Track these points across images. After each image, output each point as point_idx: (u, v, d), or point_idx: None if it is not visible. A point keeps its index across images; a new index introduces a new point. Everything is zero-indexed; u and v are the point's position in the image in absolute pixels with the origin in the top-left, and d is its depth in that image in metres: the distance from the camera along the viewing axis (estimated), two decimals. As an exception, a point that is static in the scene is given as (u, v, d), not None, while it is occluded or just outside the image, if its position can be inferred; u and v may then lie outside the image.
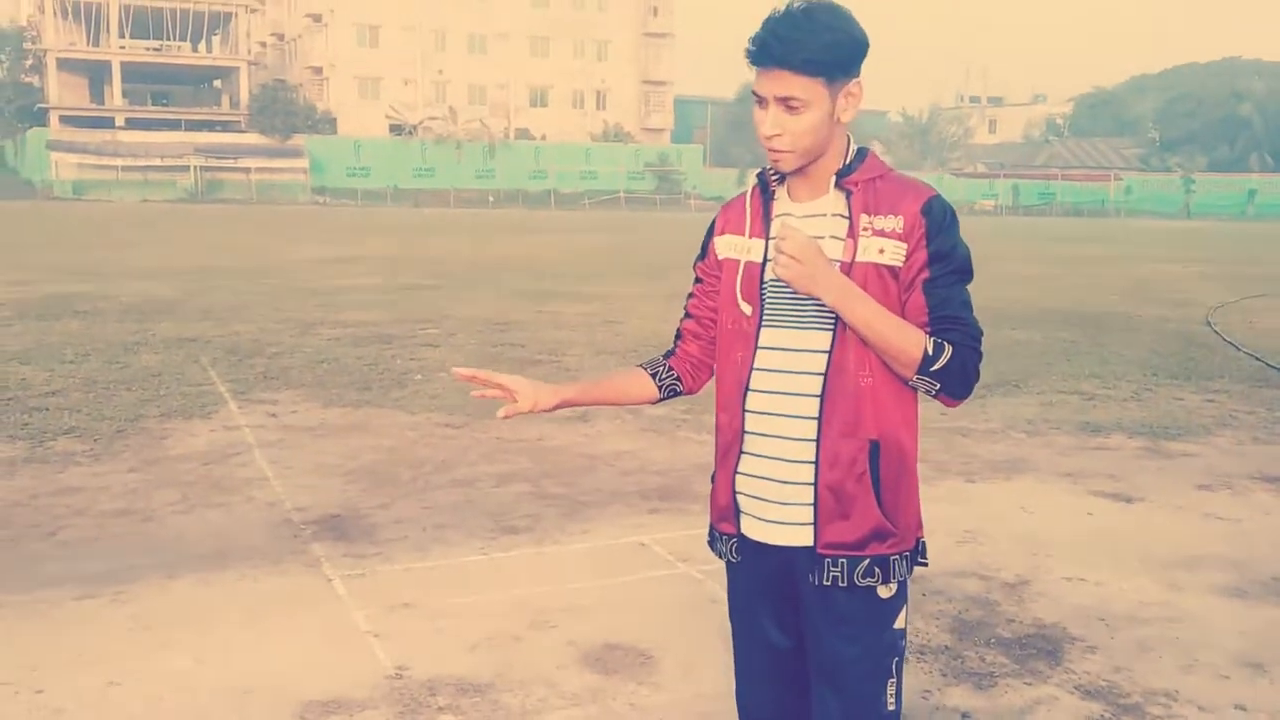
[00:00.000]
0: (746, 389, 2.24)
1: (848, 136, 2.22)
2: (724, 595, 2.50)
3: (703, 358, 2.45)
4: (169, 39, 78.74)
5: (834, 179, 2.19)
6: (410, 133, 75.91)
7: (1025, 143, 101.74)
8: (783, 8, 2.11)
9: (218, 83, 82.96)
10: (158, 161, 67.77)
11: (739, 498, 2.29)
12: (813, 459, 2.18)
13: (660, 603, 4.67)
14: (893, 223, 2.13)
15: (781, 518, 2.23)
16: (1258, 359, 11.38)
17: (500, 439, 7.52)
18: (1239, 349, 12.08)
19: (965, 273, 2.18)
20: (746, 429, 2.25)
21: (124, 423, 7.76)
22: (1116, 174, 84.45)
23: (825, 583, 2.19)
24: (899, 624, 2.26)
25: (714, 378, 2.43)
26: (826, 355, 2.16)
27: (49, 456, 6.86)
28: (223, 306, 14.58)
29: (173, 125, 73.30)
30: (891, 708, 2.25)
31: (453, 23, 79.44)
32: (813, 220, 2.19)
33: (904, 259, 2.13)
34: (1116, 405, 8.96)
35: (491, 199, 72.73)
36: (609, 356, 10.58)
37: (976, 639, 4.31)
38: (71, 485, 6.25)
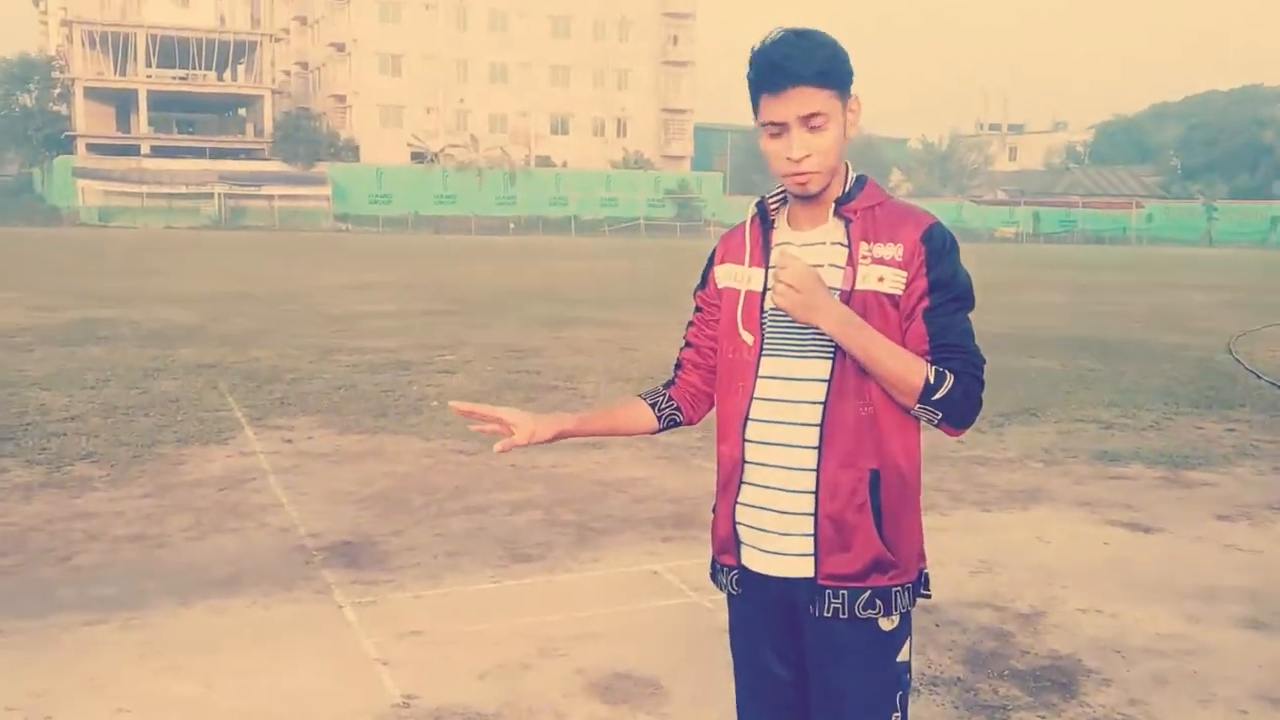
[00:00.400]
0: (746, 418, 2.23)
1: (847, 164, 2.22)
2: (736, 625, 2.47)
3: (703, 387, 2.44)
4: (195, 68, 79.67)
5: (833, 206, 2.19)
6: (432, 160, 76.45)
7: (1046, 170, 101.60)
8: (772, 35, 2.12)
9: (242, 111, 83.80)
10: (182, 188, 68.48)
11: (739, 528, 2.27)
12: (813, 489, 2.16)
13: (671, 632, 4.65)
14: (892, 250, 2.13)
15: (782, 549, 2.21)
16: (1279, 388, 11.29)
17: (515, 466, 7.52)
18: (1261, 377, 11.97)
19: (966, 300, 2.16)
20: (746, 459, 2.24)
21: (141, 448, 7.80)
22: (1138, 201, 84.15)
23: (826, 614, 2.17)
24: (903, 657, 2.23)
25: (714, 408, 2.42)
26: (826, 384, 2.15)
27: (66, 481, 6.90)
28: (242, 332, 14.67)
29: (197, 153, 74.06)
30: None
31: (474, 52, 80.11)
32: (812, 249, 2.19)
33: (904, 287, 2.12)
34: (1135, 434, 8.89)
35: (512, 226, 73.06)
36: (625, 383, 10.58)
37: (990, 671, 4.26)
38: (87, 510, 6.28)
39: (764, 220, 2.29)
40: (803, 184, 2.16)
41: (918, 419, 2.16)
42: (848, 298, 2.12)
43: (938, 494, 6.86)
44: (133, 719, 3.79)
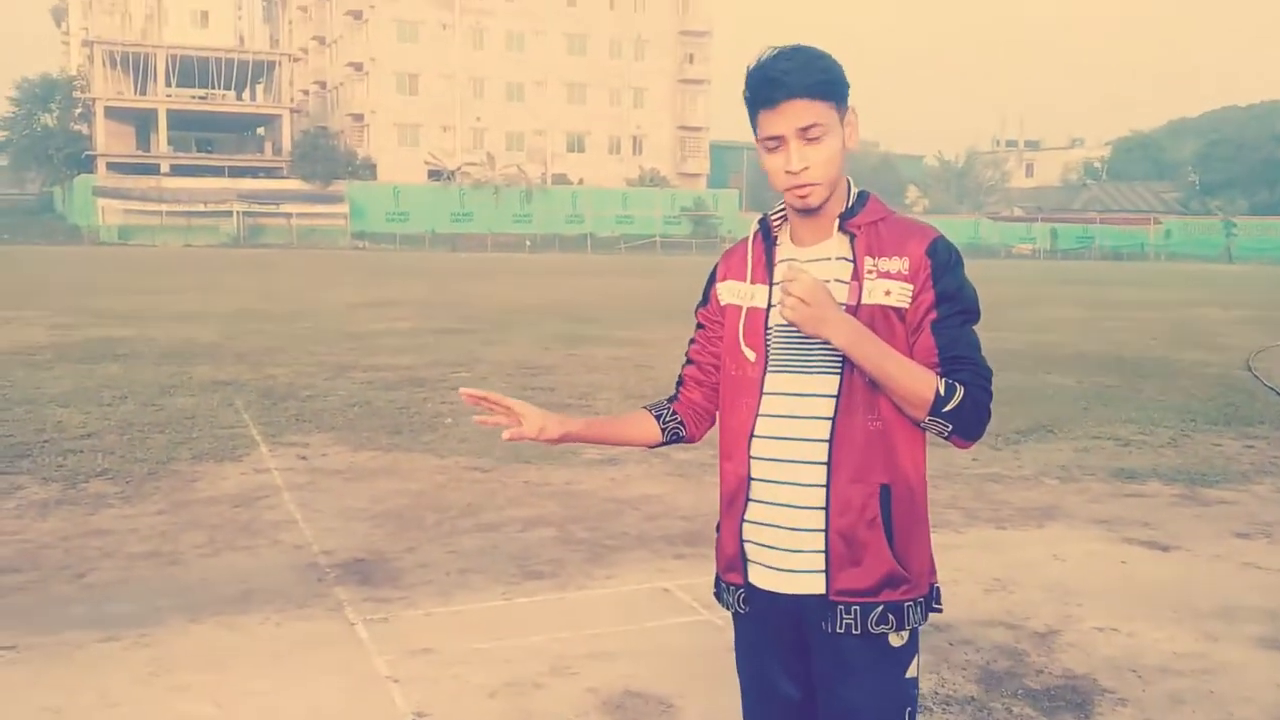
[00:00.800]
0: (752, 435, 2.22)
1: (848, 180, 2.22)
2: (748, 643, 2.46)
3: (704, 404, 2.44)
4: (214, 87, 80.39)
5: (838, 222, 2.19)
6: (449, 178, 76.81)
7: (1063, 186, 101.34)
8: (766, 52, 2.14)
9: (261, 130, 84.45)
10: (201, 207, 68.99)
11: (747, 546, 2.26)
12: (823, 505, 2.15)
13: (683, 650, 4.63)
14: (898, 264, 2.13)
15: (792, 565, 2.19)
16: (1299, 405, 11.19)
17: (528, 483, 7.52)
18: (1280, 394, 11.89)
19: (973, 313, 2.16)
20: (753, 476, 2.23)
21: (156, 465, 7.84)
22: (1156, 218, 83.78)
23: (839, 630, 2.16)
24: (911, 673, 2.22)
25: (715, 425, 2.41)
26: (834, 400, 2.14)
27: (81, 498, 6.93)
28: (259, 350, 14.74)
29: (216, 172, 74.62)
30: None
31: (491, 71, 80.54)
32: (817, 264, 2.18)
33: (910, 300, 2.12)
34: (1153, 451, 8.82)
35: (529, 243, 73.27)
36: (639, 400, 10.55)
37: (1004, 690, 4.22)
38: (101, 528, 6.30)
39: (766, 237, 2.29)
40: (804, 196, 2.16)
41: (927, 431, 2.15)
42: (854, 312, 2.12)
43: (952, 511, 6.82)
44: (143, 736, 3.79)
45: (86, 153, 74.97)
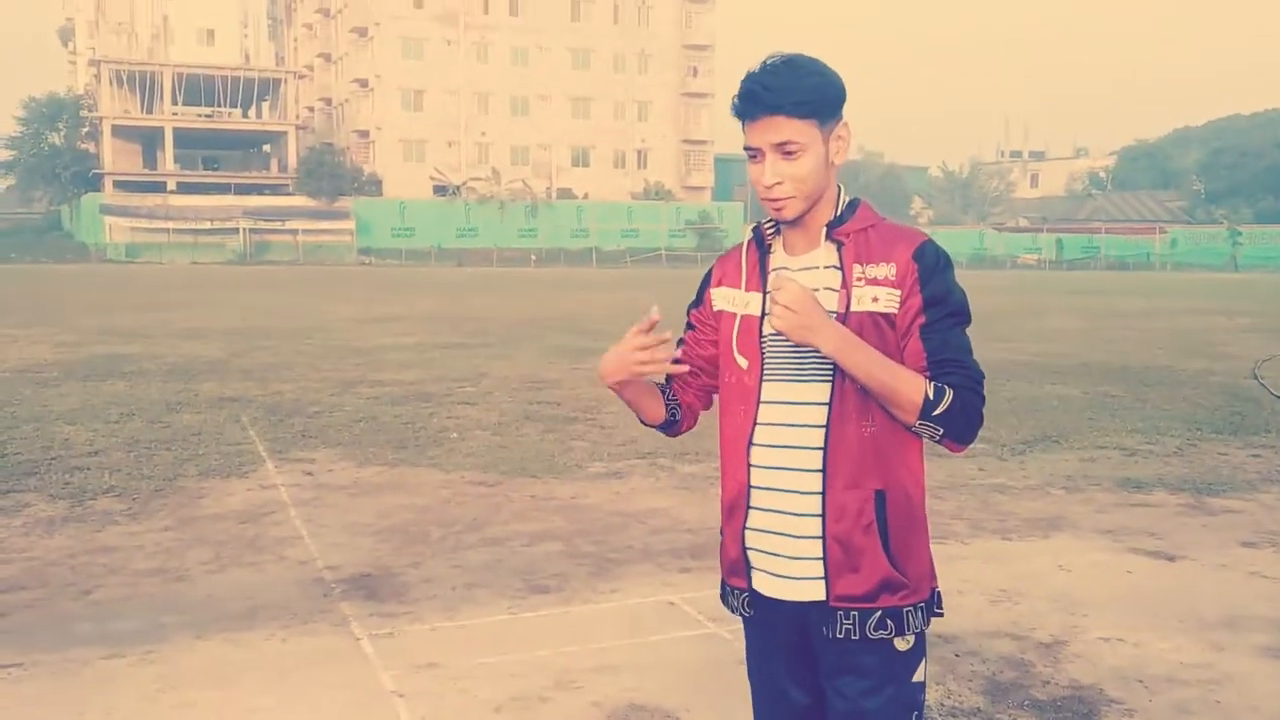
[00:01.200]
0: (750, 444, 2.24)
1: (839, 187, 2.24)
2: (754, 656, 2.47)
3: (694, 402, 2.46)
4: (220, 105, 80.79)
5: (825, 231, 2.20)
6: (454, 193, 77.03)
7: (1068, 196, 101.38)
8: (760, 63, 2.15)
9: (267, 147, 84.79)
10: (207, 224, 69.26)
11: (749, 553, 2.28)
12: (819, 512, 2.17)
13: (688, 663, 4.63)
14: (885, 270, 2.14)
15: (792, 572, 2.21)
16: (1306, 413, 11.16)
17: (533, 497, 7.52)
18: (1287, 403, 11.85)
19: (962, 316, 2.17)
20: (752, 484, 2.25)
21: (162, 482, 7.86)
22: (1161, 227, 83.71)
23: (839, 635, 2.17)
24: (918, 677, 2.23)
25: (695, 425, 2.43)
26: (827, 407, 2.16)
27: (87, 516, 6.95)
28: (265, 366, 14.77)
29: (222, 189, 74.90)
30: None
31: (495, 86, 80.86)
32: (807, 273, 2.21)
33: (899, 305, 2.14)
34: (1159, 461, 8.81)
35: (534, 257, 73.41)
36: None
37: (1010, 701, 4.22)
38: (108, 545, 6.32)
39: (760, 246, 2.31)
40: (778, 210, 2.19)
41: (920, 436, 2.16)
42: (844, 320, 2.14)
43: (957, 522, 6.81)
44: (149, 753, 3.79)
45: (93, 171, 75.31)
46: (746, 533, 2.27)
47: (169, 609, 5.26)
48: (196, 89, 78.60)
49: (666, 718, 4.08)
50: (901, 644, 2.19)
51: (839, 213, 2.22)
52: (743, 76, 2.16)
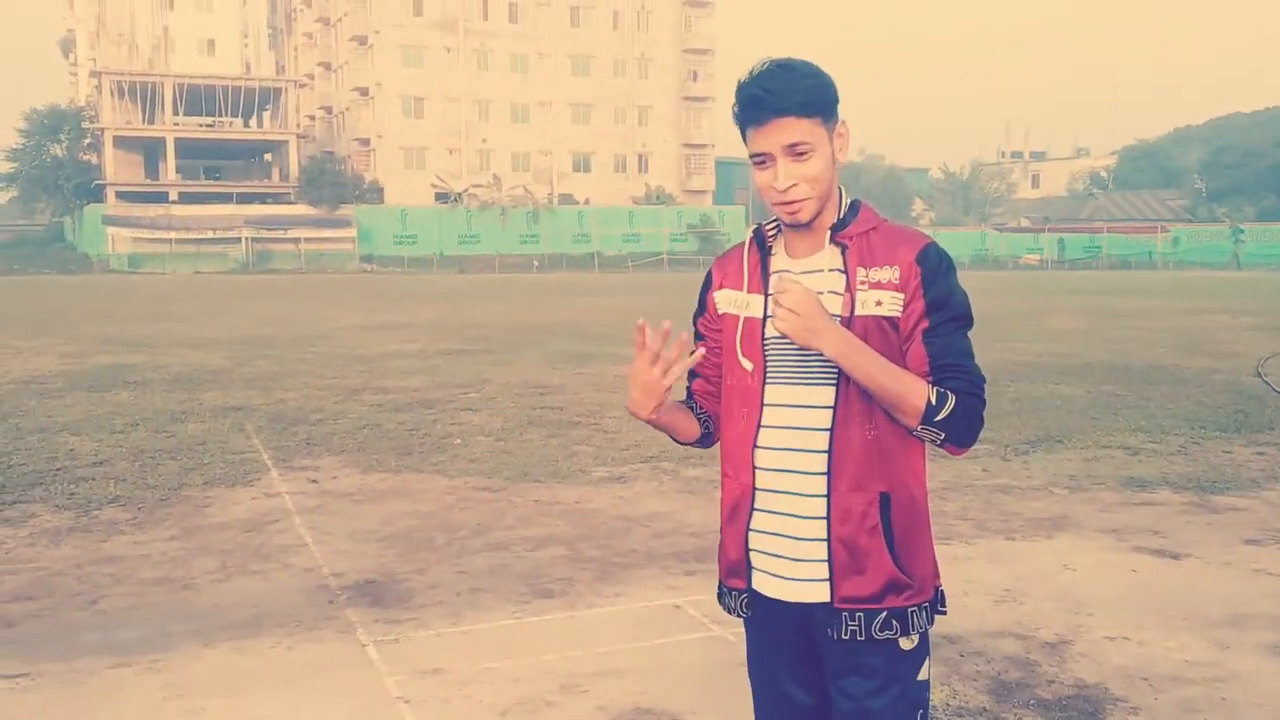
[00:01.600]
0: (755, 446, 2.25)
1: (840, 189, 2.24)
2: (759, 659, 2.47)
3: (718, 410, 2.42)
4: (221, 115, 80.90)
5: (829, 234, 2.21)
6: (455, 200, 77.09)
7: (1069, 196, 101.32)
8: (755, 69, 2.16)
9: (268, 156, 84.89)
10: (210, 234, 69.29)
11: (752, 554, 2.29)
12: (824, 514, 2.18)
13: (693, 666, 4.63)
14: (888, 273, 2.15)
15: (797, 574, 2.22)
16: (1310, 410, 11.15)
17: (538, 502, 7.53)
18: (1290, 400, 11.84)
19: (964, 320, 2.18)
20: (757, 486, 2.26)
21: (167, 491, 7.87)
22: (1163, 226, 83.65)
23: (844, 636, 2.18)
24: (923, 675, 2.24)
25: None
26: (831, 410, 2.17)
27: (93, 526, 6.96)
28: (268, 375, 14.79)
29: (224, 198, 74.96)
30: None
31: (495, 93, 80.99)
32: (810, 276, 2.21)
33: (902, 309, 2.14)
34: (1162, 459, 8.81)
35: (536, 263, 73.43)
36: (648, 418, 10.55)
37: (1015, 701, 4.22)
38: (114, 554, 6.33)
39: (761, 247, 2.31)
40: (793, 213, 2.18)
41: (922, 440, 2.17)
42: (848, 324, 2.14)
43: (961, 523, 6.81)
44: (157, 761, 3.80)
45: (96, 182, 75.40)
46: (750, 534, 2.28)
47: (175, 618, 5.27)
48: (198, 99, 78.72)
49: (672, 721, 4.08)
50: (906, 644, 2.20)
51: (842, 215, 2.23)
52: (740, 83, 2.16)
